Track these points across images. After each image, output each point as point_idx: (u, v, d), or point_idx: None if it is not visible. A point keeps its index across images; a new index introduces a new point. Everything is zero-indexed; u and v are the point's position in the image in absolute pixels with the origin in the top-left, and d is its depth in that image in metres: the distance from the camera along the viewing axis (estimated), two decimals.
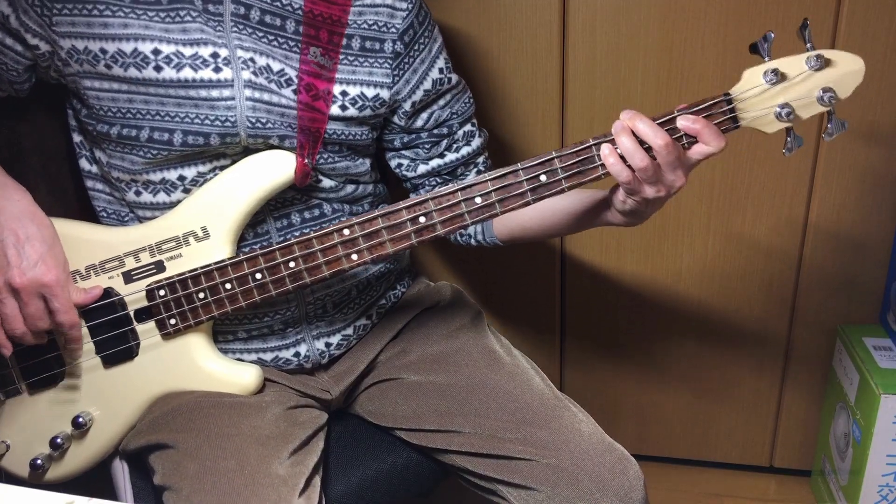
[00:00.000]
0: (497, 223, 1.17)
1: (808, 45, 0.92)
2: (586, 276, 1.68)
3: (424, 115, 1.15)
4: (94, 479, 1.11)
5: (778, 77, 0.91)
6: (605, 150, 0.93)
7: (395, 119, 1.15)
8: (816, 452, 1.73)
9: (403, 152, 1.20)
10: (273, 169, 1.03)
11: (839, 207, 1.51)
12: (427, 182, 1.21)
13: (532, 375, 1.12)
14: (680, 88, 1.47)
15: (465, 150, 1.19)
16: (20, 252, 0.95)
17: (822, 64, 0.90)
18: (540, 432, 1.02)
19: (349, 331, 1.18)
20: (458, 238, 1.23)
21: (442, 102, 1.16)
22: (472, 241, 1.22)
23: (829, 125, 0.94)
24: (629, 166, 0.92)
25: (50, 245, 0.98)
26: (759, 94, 0.93)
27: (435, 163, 1.19)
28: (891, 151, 1.44)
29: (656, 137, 0.91)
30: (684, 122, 0.92)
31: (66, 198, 1.17)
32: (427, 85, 1.13)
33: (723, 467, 1.82)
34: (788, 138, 0.95)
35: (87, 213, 1.13)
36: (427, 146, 1.18)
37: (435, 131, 1.17)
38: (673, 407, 1.77)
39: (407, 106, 1.13)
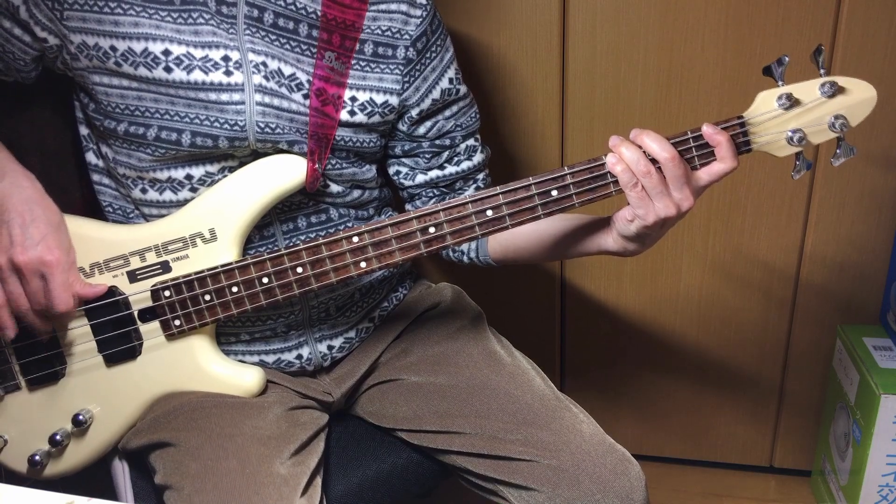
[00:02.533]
0: (492, 242, 1.17)
1: (822, 71, 0.92)
2: (586, 276, 1.68)
3: (428, 124, 1.15)
4: (95, 479, 1.11)
5: (791, 102, 0.91)
6: (611, 158, 0.93)
7: (399, 125, 1.14)
8: (816, 452, 1.73)
9: (403, 160, 1.19)
10: (284, 173, 1.02)
11: (839, 207, 1.51)
12: (424, 193, 1.20)
13: (533, 376, 1.12)
14: (680, 88, 1.48)
15: (465, 165, 1.19)
16: (24, 231, 0.95)
17: (836, 91, 0.91)
18: (541, 433, 1.02)
19: (352, 333, 1.18)
20: (451, 254, 1.22)
21: (448, 113, 1.16)
22: (465, 259, 1.21)
23: (838, 150, 0.95)
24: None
25: (55, 228, 0.98)
26: (772, 118, 0.93)
27: (434, 174, 1.18)
28: (891, 152, 1.45)
29: (662, 150, 0.91)
30: (708, 130, 0.92)
31: (67, 197, 1.17)
32: (436, 94, 1.13)
33: (723, 467, 1.82)
34: (798, 162, 0.96)
35: (90, 212, 1.13)
36: (427, 156, 1.17)
37: (437, 141, 1.16)
38: (673, 407, 1.77)
39: (414, 113, 1.13)
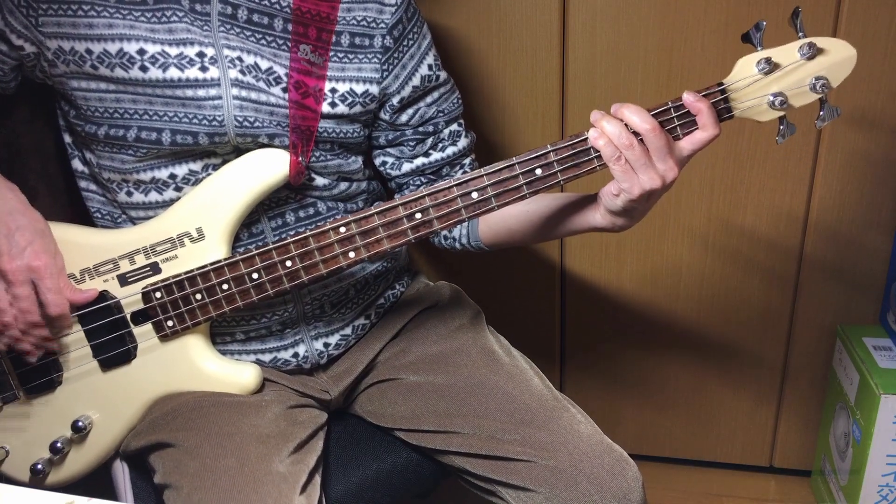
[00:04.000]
0: (482, 226, 1.17)
1: (800, 34, 0.92)
2: (586, 275, 1.68)
3: (410, 111, 1.15)
4: (95, 479, 1.11)
5: (771, 66, 0.91)
6: (593, 133, 0.93)
7: (381, 114, 1.15)
8: (816, 452, 1.73)
9: (388, 150, 1.20)
10: (267, 168, 1.02)
11: (839, 207, 1.50)
12: (412, 181, 1.20)
13: (531, 376, 1.12)
14: (680, 88, 1.46)
15: (450, 150, 1.19)
16: (10, 240, 0.95)
17: (815, 52, 0.91)
18: (538, 433, 1.02)
19: (348, 331, 1.18)
20: (443, 241, 1.22)
21: (429, 100, 1.16)
22: (457, 245, 1.21)
23: (821, 112, 0.95)
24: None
25: (40, 234, 0.98)
26: (753, 83, 0.93)
27: (419, 161, 1.18)
28: (891, 151, 1.44)
29: (643, 122, 0.91)
30: (689, 98, 0.92)
31: (66, 198, 1.17)
32: (416, 81, 1.13)
33: (723, 467, 1.82)
34: (781, 126, 0.96)
35: (85, 214, 1.13)
36: (412, 143, 1.17)
37: (420, 129, 1.17)
38: (673, 407, 1.77)
39: (395, 101, 1.13)
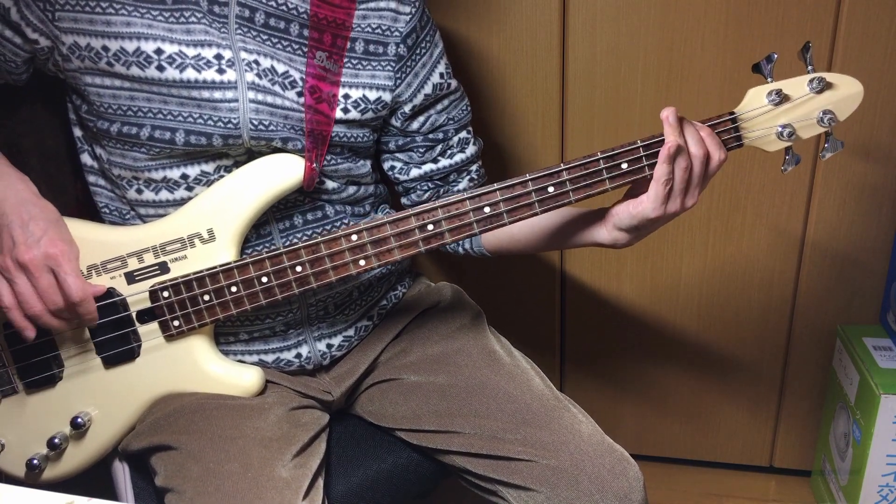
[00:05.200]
0: (486, 234, 1.17)
1: (809, 67, 0.95)
2: (586, 276, 1.68)
3: (421, 119, 1.16)
4: (95, 479, 1.11)
5: (781, 98, 0.94)
6: (675, 139, 0.92)
7: (393, 121, 1.15)
8: (816, 452, 1.73)
9: (398, 155, 1.20)
10: (281, 172, 1.02)
11: (839, 207, 1.51)
12: (419, 186, 1.21)
13: (532, 376, 1.12)
14: (680, 88, 1.48)
15: (458, 157, 1.19)
16: (25, 230, 0.95)
17: (824, 87, 0.94)
18: (540, 433, 1.02)
19: (350, 332, 1.18)
20: (447, 246, 1.23)
21: (440, 107, 1.16)
22: (460, 250, 1.22)
23: (826, 144, 0.98)
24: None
25: (54, 223, 0.99)
26: (763, 114, 0.96)
27: (428, 167, 1.19)
28: (891, 152, 1.45)
29: (720, 150, 0.94)
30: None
31: (66, 198, 1.17)
32: (428, 89, 1.13)
33: (723, 467, 1.82)
34: (787, 156, 0.99)
35: (87, 213, 1.13)
36: (421, 150, 1.18)
37: (430, 136, 1.17)
38: (673, 407, 1.77)
39: (407, 108, 1.13)
